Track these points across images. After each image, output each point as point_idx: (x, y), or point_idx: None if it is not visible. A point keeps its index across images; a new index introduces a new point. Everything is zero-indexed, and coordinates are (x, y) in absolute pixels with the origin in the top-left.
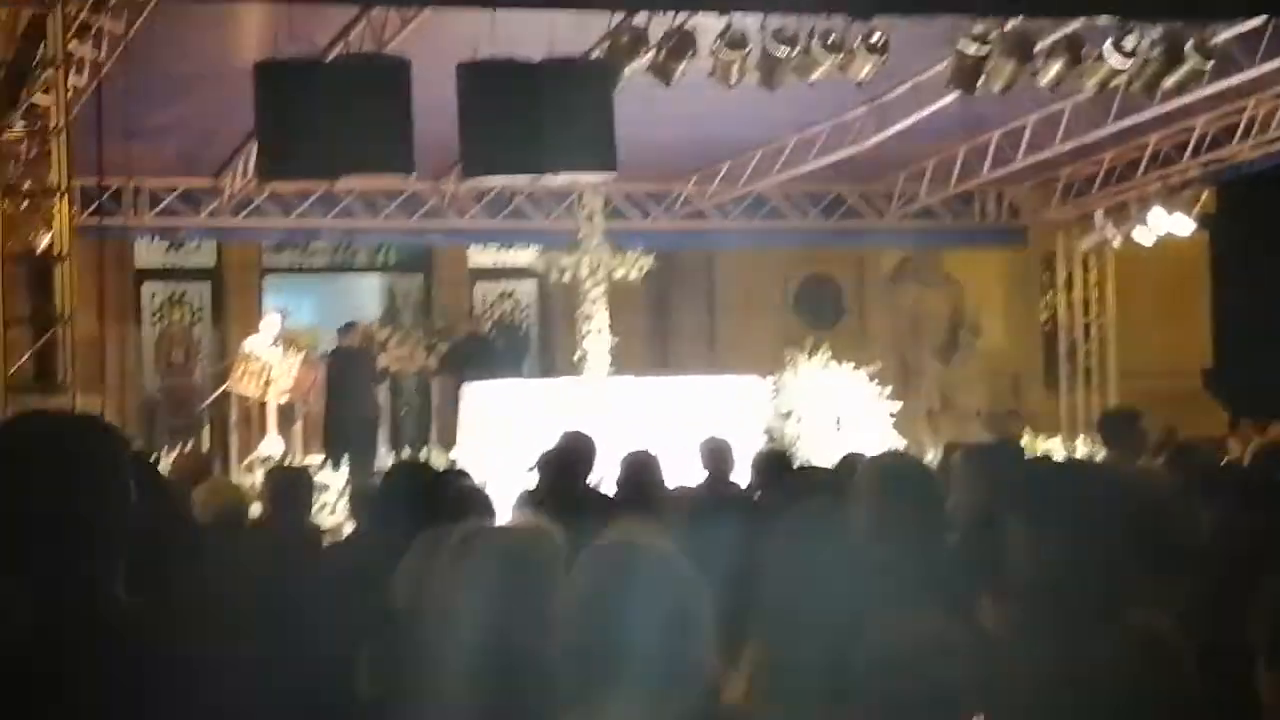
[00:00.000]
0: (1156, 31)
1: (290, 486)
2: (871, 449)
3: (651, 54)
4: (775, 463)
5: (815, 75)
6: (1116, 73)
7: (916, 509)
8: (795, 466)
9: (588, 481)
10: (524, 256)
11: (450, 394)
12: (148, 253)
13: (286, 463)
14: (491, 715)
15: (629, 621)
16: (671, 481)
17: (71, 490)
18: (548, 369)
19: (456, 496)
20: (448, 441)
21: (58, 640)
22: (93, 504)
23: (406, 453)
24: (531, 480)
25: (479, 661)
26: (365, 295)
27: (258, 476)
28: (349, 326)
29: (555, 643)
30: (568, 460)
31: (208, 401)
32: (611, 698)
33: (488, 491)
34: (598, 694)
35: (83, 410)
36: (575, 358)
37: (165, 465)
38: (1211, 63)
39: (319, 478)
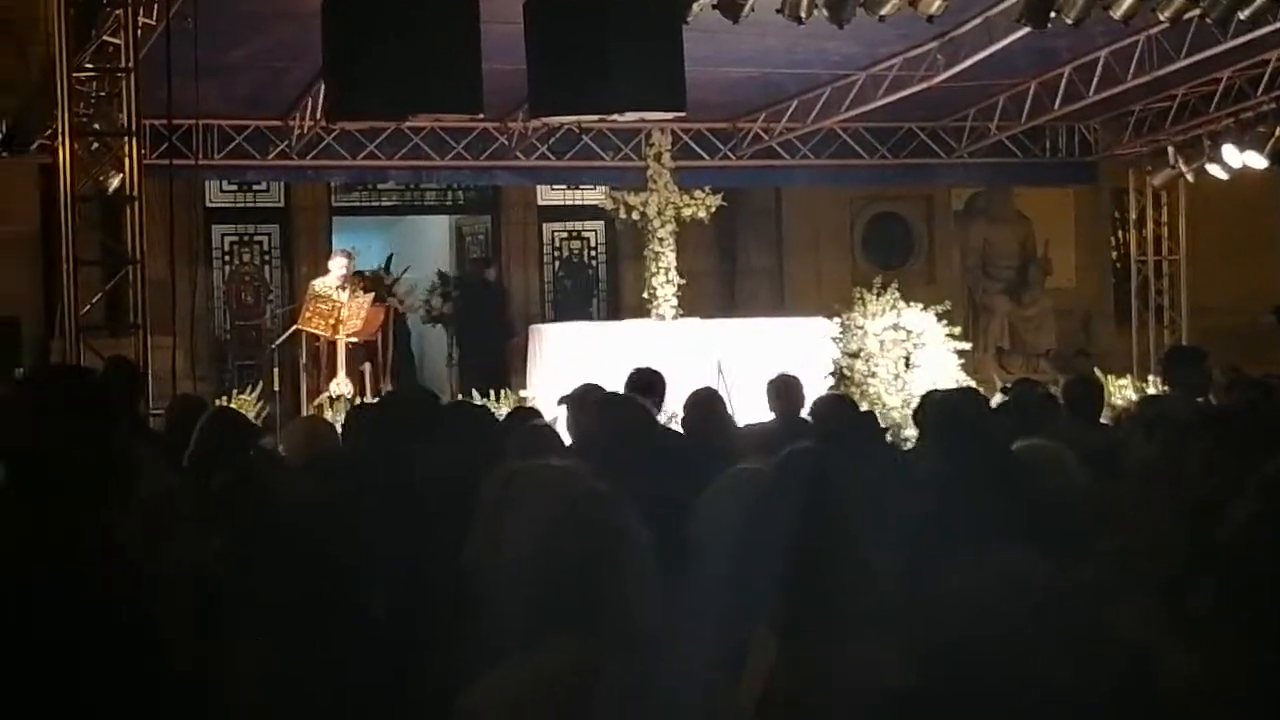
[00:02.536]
0: None
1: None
2: (941, 388)
3: None
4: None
5: (885, 10)
6: (1191, 4)
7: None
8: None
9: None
10: (592, 196)
11: (465, 339)
12: (217, 194)
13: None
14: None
15: (551, 564)
16: (741, 421)
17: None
18: (615, 310)
19: (527, 434)
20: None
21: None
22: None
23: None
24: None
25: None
26: (434, 236)
27: (328, 417)
28: (358, 275)
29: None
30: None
31: (277, 342)
32: (540, 639)
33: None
34: (532, 635)
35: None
36: (644, 298)
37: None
38: None
39: None
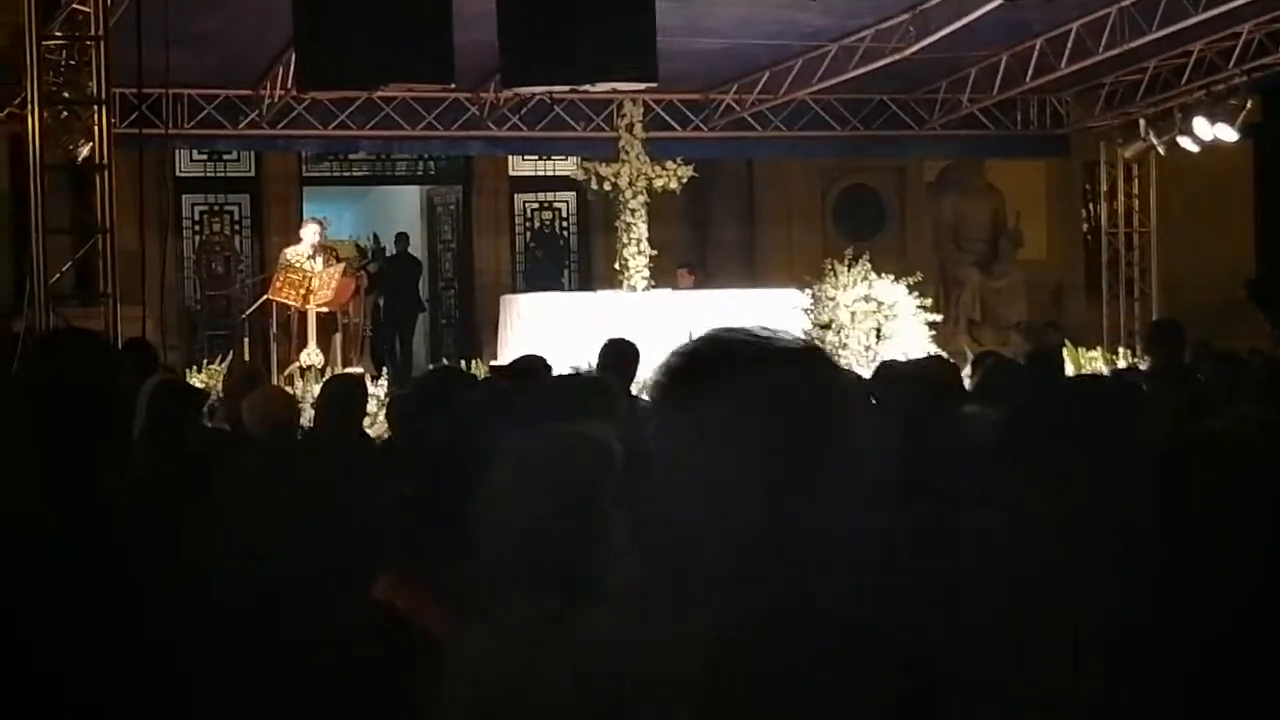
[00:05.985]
0: None
1: (344, 395)
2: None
3: None
4: None
5: None
6: None
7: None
8: None
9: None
10: (563, 167)
11: (388, 312)
12: (188, 163)
13: (329, 373)
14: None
15: (509, 518)
16: None
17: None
18: (586, 280)
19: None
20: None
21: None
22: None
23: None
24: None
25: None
26: (405, 206)
27: (298, 387)
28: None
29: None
30: (616, 364)
31: (248, 312)
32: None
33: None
34: (499, 598)
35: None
36: (615, 268)
37: (208, 377)
38: None
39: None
